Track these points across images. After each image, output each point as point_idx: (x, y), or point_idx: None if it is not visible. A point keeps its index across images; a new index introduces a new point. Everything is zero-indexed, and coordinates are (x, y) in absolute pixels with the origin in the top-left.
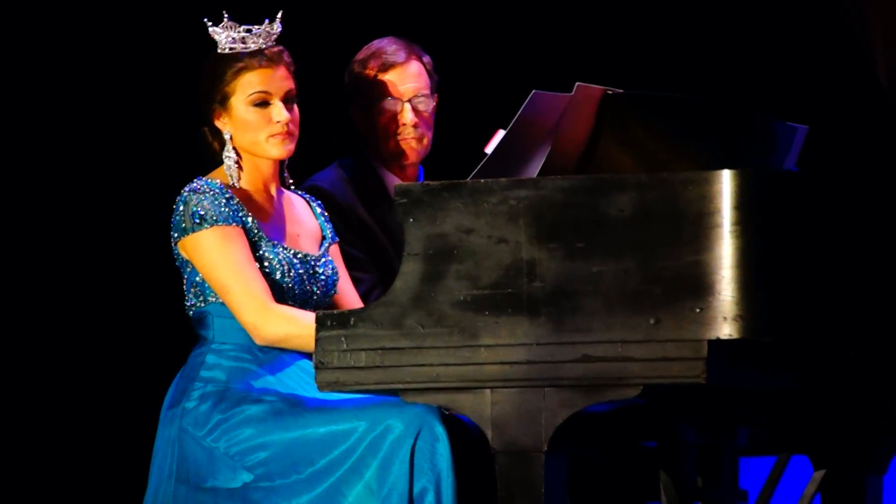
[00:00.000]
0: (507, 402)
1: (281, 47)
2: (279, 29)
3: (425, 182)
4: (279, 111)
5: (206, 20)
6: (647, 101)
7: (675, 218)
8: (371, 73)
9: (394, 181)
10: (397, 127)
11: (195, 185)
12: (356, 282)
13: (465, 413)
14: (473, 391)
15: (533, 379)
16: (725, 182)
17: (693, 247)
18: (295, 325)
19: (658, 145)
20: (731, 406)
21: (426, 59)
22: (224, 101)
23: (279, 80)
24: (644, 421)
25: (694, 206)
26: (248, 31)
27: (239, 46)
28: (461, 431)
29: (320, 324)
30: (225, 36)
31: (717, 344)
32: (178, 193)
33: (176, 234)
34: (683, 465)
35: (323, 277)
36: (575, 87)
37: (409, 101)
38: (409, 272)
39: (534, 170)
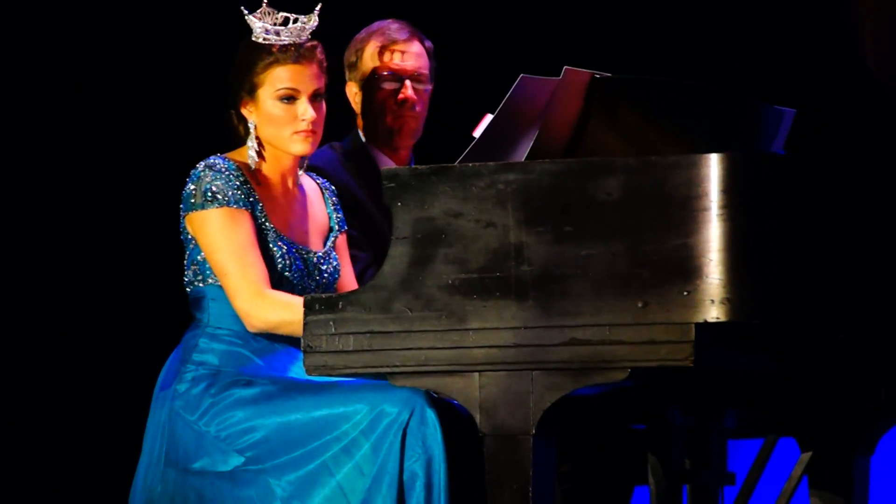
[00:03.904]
0: (495, 386)
1: (315, 43)
2: (316, 23)
3: (413, 166)
4: (305, 109)
5: (242, 8)
6: (636, 85)
7: (663, 201)
8: (373, 49)
9: (386, 163)
10: (396, 104)
11: (212, 161)
12: (353, 260)
13: (454, 396)
14: (462, 375)
15: (521, 362)
16: (713, 166)
17: (681, 230)
18: (289, 311)
19: (646, 129)
20: (718, 389)
21: (428, 43)
22: (252, 91)
23: (309, 77)
24: (632, 404)
25: (682, 190)
26: (285, 22)
27: (273, 38)
28: (451, 415)
29: (308, 308)
30: (260, 25)
31: (705, 327)
32: (192, 167)
33: (184, 208)
34: (671, 447)
35: (325, 275)
36: (563, 71)
37: (410, 78)
38: (398, 256)
39: (522, 154)
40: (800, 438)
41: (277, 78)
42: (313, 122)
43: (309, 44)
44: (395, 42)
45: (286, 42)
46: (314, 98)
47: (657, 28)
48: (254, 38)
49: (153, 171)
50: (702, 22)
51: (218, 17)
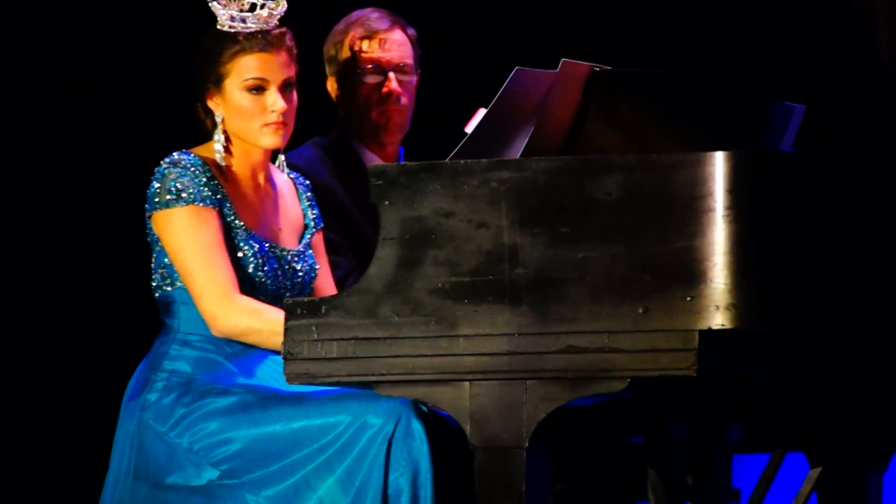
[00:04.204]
0: (487, 396)
1: (284, 29)
2: (284, 9)
3: (402, 163)
4: (275, 100)
5: None
6: (637, 79)
7: (665, 201)
8: (353, 41)
9: (373, 160)
10: (379, 98)
11: (176, 157)
12: (333, 266)
13: (443, 407)
14: (451, 384)
15: (514, 371)
16: (718, 164)
17: (684, 232)
18: (256, 319)
19: (648, 125)
20: (723, 400)
21: (411, 31)
22: (218, 82)
23: (278, 66)
24: (632, 415)
25: (685, 189)
26: (252, 8)
27: (239, 26)
28: (439, 426)
29: (289, 312)
30: (225, 12)
31: (709, 334)
32: (157, 165)
33: (149, 207)
34: (673, 461)
35: (300, 274)
36: (560, 64)
37: (393, 69)
38: (385, 258)
39: (516, 150)
40: (809, 453)
41: (244, 67)
42: (284, 114)
43: (277, 31)
44: (375, 32)
45: (253, 29)
46: (284, 88)
47: (657, 18)
48: (219, 27)
49: (117, 171)
50: (704, 11)
51: (182, 6)
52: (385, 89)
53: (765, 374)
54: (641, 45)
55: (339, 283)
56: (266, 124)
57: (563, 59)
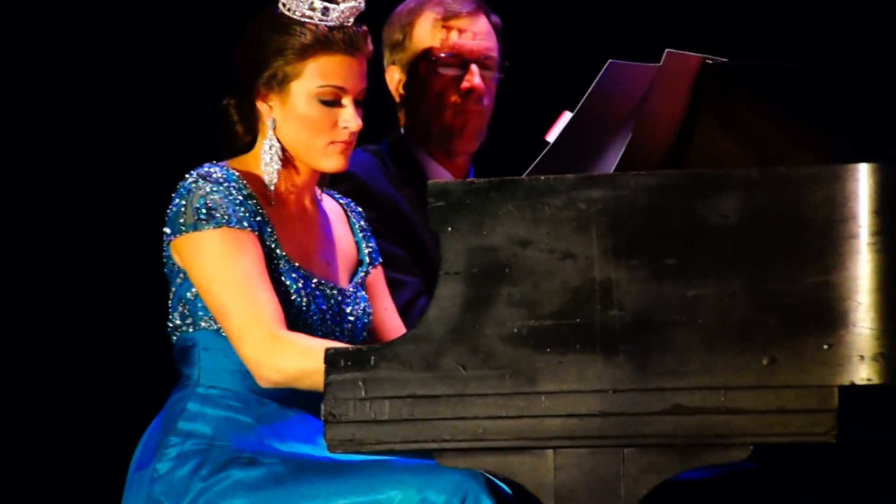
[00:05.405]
0: (575, 467)
1: (365, 29)
2: (363, 4)
3: (469, 179)
4: (351, 115)
5: None
6: (760, 73)
7: (796, 226)
8: (428, 24)
9: (439, 173)
10: (458, 95)
11: (207, 170)
12: (399, 286)
13: (521, 480)
14: (531, 452)
15: (609, 437)
16: (862, 179)
17: (819, 264)
18: (310, 359)
19: (773, 131)
20: (870, 472)
21: (495, 18)
22: (283, 82)
23: (359, 74)
24: (756, 491)
25: (821, 211)
26: None
27: (317, 16)
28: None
29: (331, 364)
30: None
31: (852, 391)
32: (181, 179)
33: (170, 231)
34: None
35: (351, 318)
36: (664, 55)
37: (476, 62)
38: (447, 297)
39: (610, 163)
40: None
41: (324, 71)
42: (353, 133)
43: (360, 29)
44: (456, 15)
45: (332, 23)
46: (359, 101)
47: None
48: (286, 11)
49: (129, 187)
50: None
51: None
52: (465, 84)
53: None
54: (762, 33)
55: (407, 305)
56: (333, 142)
57: (667, 50)
